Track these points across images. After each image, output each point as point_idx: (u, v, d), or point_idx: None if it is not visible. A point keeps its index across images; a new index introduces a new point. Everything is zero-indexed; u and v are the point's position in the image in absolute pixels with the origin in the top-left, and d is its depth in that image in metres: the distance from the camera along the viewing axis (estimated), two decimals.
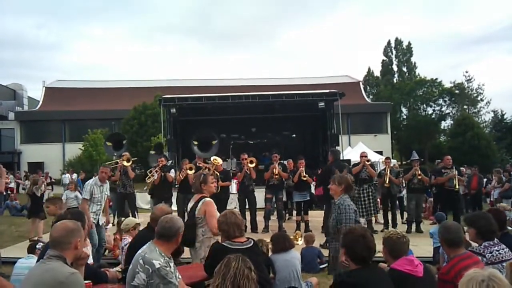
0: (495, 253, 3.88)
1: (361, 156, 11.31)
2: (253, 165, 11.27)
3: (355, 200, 10.73)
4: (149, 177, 11.56)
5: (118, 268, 6.04)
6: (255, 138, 20.28)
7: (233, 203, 12.65)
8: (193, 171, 11.23)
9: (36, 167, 30.40)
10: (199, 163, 11.65)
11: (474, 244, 4.31)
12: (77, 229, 3.17)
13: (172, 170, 11.74)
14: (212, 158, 11.65)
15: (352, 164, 13.29)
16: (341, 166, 9.74)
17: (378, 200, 12.66)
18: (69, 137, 39.42)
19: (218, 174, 11.15)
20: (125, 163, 11.18)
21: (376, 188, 12.18)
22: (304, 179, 10.93)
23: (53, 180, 24.45)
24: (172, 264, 3.62)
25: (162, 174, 11.26)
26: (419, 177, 10.91)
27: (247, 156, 11.59)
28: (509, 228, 5.31)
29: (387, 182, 11.35)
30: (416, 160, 11.45)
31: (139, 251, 3.60)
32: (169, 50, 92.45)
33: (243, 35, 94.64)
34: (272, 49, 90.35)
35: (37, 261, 3.82)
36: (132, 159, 11.57)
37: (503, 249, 3.93)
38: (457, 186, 10.93)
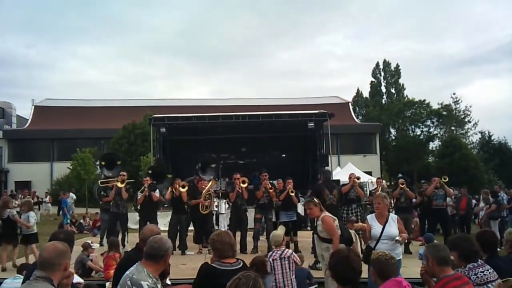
0: (480, 274, 3.89)
1: (350, 177, 11.38)
2: (245, 185, 11.29)
3: (343, 220, 10.75)
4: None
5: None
6: (245, 158, 20.30)
7: (222, 224, 12.61)
8: (186, 188, 11.26)
9: (23, 186, 30.06)
10: (201, 186, 11.71)
11: None
12: (67, 251, 3.17)
13: (157, 190, 11.68)
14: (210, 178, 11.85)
15: (341, 184, 13.34)
16: (331, 186, 9.78)
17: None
18: (57, 156, 39.08)
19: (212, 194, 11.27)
20: (119, 184, 11.17)
21: (364, 209, 12.23)
22: (292, 194, 10.91)
23: (40, 199, 24.15)
24: (159, 286, 3.58)
25: (147, 194, 11.22)
26: (402, 185, 11.01)
27: (239, 175, 11.60)
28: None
29: (378, 193, 11.44)
30: (400, 177, 11.67)
31: (127, 272, 3.56)
32: (158, 69, 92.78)
33: (233, 56, 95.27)
34: (262, 70, 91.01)
35: (23, 281, 3.77)
36: (127, 180, 11.55)
37: (487, 270, 3.94)
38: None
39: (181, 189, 11.17)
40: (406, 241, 5.87)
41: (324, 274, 6.04)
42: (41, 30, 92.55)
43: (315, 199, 6.55)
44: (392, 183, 37.49)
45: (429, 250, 3.87)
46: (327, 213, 6.42)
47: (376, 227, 5.87)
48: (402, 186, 11.08)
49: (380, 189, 11.65)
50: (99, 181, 12.41)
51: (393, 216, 5.98)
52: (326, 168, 17.31)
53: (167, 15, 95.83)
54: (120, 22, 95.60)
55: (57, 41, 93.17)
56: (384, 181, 23.41)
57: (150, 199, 11.25)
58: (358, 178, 11.46)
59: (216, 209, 12.57)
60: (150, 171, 12.75)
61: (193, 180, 13.35)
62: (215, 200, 12.40)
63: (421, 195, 12.37)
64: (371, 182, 18.21)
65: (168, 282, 6.14)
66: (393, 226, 5.81)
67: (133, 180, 12.42)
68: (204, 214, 11.25)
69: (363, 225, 6.04)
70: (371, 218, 6.07)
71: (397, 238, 5.73)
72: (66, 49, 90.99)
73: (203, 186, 11.63)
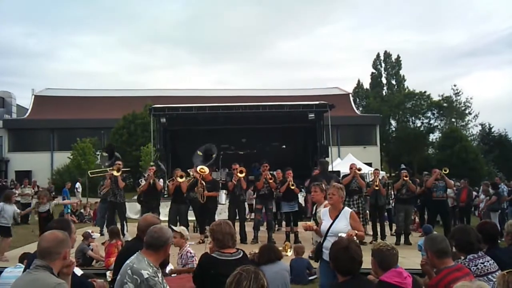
0: (480, 265, 3.89)
1: (351, 168, 11.35)
2: (243, 174, 11.26)
3: None
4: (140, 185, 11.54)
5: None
6: (245, 149, 20.29)
7: (222, 214, 12.62)
8: (184, 179, 11.24)
9: (24, 175, 30.03)
10: (192, 172, 11.66)
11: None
12: (67, 240, 3.15)
13: (161, 180, 11.67)
14: (198, 167, 11.66)
15: (341, 175, 13.34)
16: (329, 177, 9.78)
17: (368, 212, 12.72)
18: (57, 145, 39.08)
19: (205, 183, 11.19)
20: (115, 173, 11.16)
21: (365, 200, 12.22)
22: (292, 187, 10.91)
23: (41, 189, 24.18)
24: (160, 275, 3.59)
25: (151, 181, 11.19)
26: (406, 178, 10.97)
27: (237, 166, 11.59)
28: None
29: (376, 184, 11.39)
30: (403, 169, 11.63)
31: (127, 261, 3.57)
32: (159, 59, 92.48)
33: (234, 46, 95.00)
34: (262, 61, 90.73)
35: (24, 270, 3.78)
36: (123, 169, 11.54)
37: (488, 261, 3.94)
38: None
39: (179, 179, 11.14)
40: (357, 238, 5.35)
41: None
42: (40, 19, 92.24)
43: (323, 185, 6.45)
44: (393, 174, 37.65)
45: (427, 243, 3.87)
46: None
47: (325, 222, 5.37)
48: (405, 178, 11.03)
49: (377, 180, 11.62)
50: (88, 172, 12.44)
51: (346, 211, 5.37)
52: (326, 158, 17.32)
53: (167, 5, 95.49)
54: (120, 12, 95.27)
55: (57, 30, 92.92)
56: (384, 172, 23.44)
57: (154, 187, 11.23)
58: (359, 169, 11.43)
59: (224, 202, 12.60)
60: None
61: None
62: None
63: (422, 186, 12.35)
64: (371, 173, 18.23)
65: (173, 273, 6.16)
66: (342, 222, 5.24)
67: (129, 169, 12.42)
68: (206, 203, 11.20)
69: (310, 224, 5.63)
70: (324, 212, 5.54)
71: (340, 234, 4.96)
72: (66, 38, 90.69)
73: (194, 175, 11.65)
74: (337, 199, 5.37)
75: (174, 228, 7.08)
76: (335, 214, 5.33)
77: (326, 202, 6.13)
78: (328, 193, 5.53)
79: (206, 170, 11.56)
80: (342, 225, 5.19)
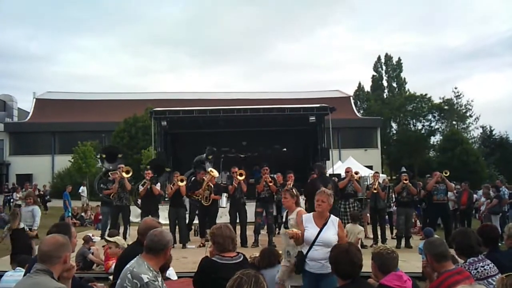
0: (480, 269, 3.89)
1: (347, 172, 11.40)
2: (242, 177, 11.25)
3: (341, 214, 10.75)
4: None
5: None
6: (246, 152, 20.26)
7: (223, 217, 12.60)
8: (184, 182, 11.24)
9: (25, 179, 30.12)
10: (200, 177, 11.64)
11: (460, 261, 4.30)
12: (67, 244, 3.16)
13: (158, 184, 11.66)
14: (209, 169, 11.70)
15: (342, 178, 13.35)
16: (326, 181, 9.79)
17: (368, 215, 12.70)
18: (58, 149, 39.14)
19: (212, 186, 11.20)
20: (124, 174, 11.17)
21: (363, 203, 12.23)
22: None
23: (41, 193, 24.22)
24: (160, 279, 3.59)
25: (149, 186, 11.19)
26: (405, 181, 10.95)
27: (238, 169, 11.59)
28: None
29: (375, 187, 11.38)
30: (403, 172, 11.63)
31: (127, 265, 3.57)
32: (159, 62, 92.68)
33: (233, 49, 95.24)
34: (263, 63, 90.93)
35: (24, 274, 3.78)
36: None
37: (488, 265, 3.94)
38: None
39: (180, 183, 11.12)
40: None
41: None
42: (41, 22, 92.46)
43: (293, 190, 5.93)
44: (393, 177, 37.59)
45: (426, 247, 3.87)
46: (302, 209, 5.85)
47: (311, 229, 4.92)
48: (405, 182, 11.02)
49: (376, 183, 11.62)
50: (109, 173, 12.43)
51: (333, 219, 5.03)
52: (326, 161, 17.31)
53: (167, 7, 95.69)
54: (120, 14, 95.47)
55: (58, 33, 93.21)
56: (384, 175, 23.38)
57: (151, 192, 11.23)
58: (357, 173, 11.47)
59: (225, 205, 12.58)
60: (149, 165, 12.75)
61: (193, 173, 13.35)
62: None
63: (425, 189, 12.34)
64: (371, 176, 18.23)
65: (175, 277, 6.15)
66: (331, 231, 4.89)
67: None
68: (208, 206, 11.19)
69: (297, 232, 4.99)
70: (307, 218, 5.09)
71: None
72: (66, 41, 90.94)
73: (203, 178, 11.61)
74: (326, 206, 5.00)
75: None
76: (322, 221, 4.95)
77: (299, 209, 5.68)
78: (316, 199, 5.10)
79: (216, 173, 11.58)
80: (331, 233, 4.89)
